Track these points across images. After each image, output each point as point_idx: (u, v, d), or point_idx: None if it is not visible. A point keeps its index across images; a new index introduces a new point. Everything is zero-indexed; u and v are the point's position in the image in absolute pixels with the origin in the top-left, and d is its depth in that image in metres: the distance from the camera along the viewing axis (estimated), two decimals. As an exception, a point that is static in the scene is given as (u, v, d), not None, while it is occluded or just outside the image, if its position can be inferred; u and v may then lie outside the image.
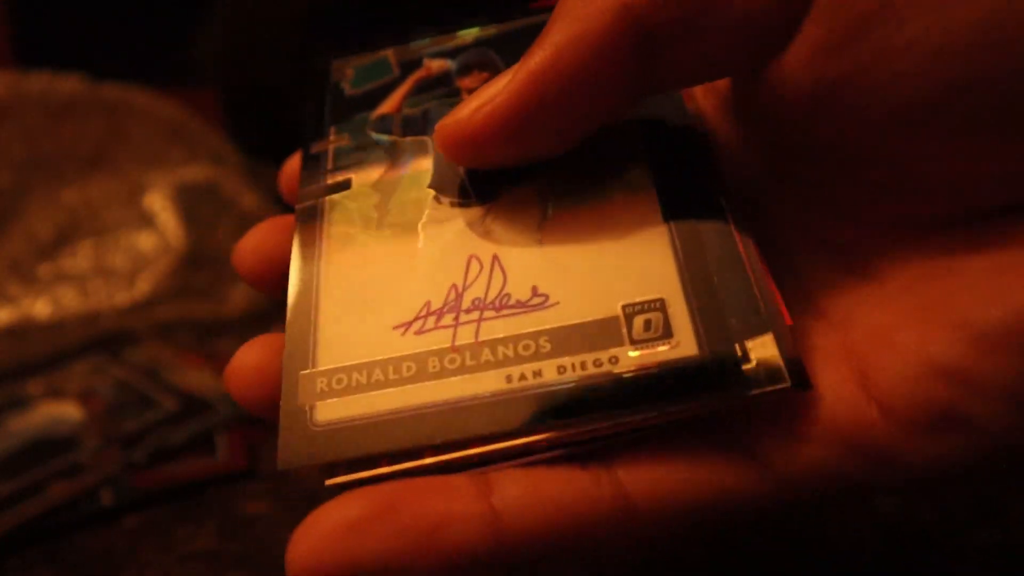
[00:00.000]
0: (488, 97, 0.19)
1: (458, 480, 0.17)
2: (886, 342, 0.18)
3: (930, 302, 0.18)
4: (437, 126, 0.20)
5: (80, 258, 0.54)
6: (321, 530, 0.16)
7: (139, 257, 0.53)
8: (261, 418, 0.21)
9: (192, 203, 0.55)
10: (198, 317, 0.48)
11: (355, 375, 0.19)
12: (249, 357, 0.21)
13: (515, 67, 0.19)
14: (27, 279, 0.52)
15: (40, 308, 0.50)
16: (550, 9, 0.26)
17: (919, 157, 0.18)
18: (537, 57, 0.18)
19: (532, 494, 0.17)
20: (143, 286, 0.51)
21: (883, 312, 0.19)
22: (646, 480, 0.18)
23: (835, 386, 0.18)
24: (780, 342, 0.18)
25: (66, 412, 0.38)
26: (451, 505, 0.17)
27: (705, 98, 0.24)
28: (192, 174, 0.56)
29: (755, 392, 0.17)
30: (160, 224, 0.54)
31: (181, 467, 0.34)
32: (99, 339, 0.45)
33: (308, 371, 0.19)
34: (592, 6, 0.18)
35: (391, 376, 0.19)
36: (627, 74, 0.19)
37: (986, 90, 0.16)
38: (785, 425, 0.18)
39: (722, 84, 0.23)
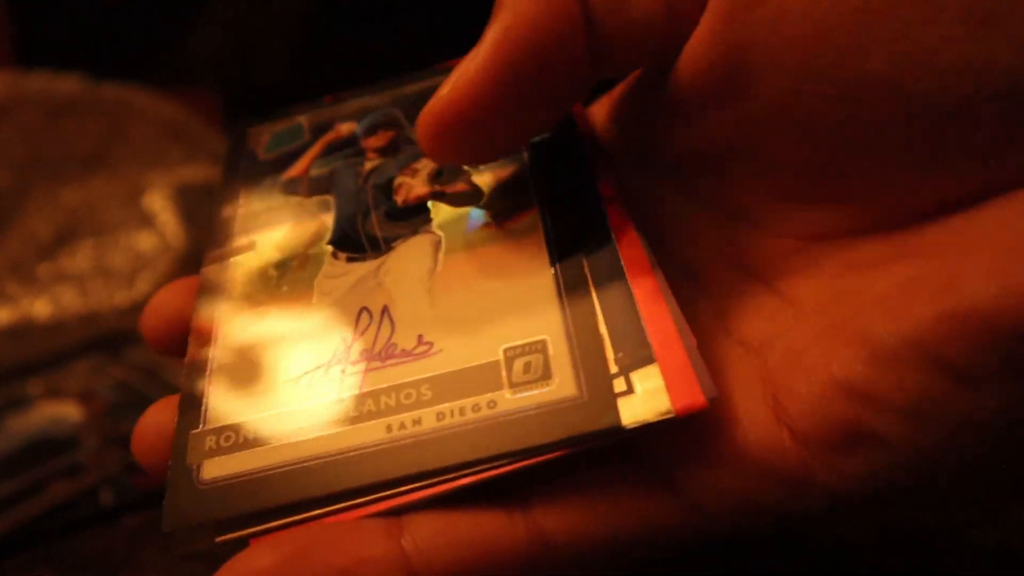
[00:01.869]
0: (464, 66, 0.19)
1: (369, 523, 0.17)
2: (796, 364, 0.18)
3: (839, 320, 0.18)
4: (419, 119, 0.20)
5: (80, 258, 0.53)
6: None
7: (139, 257, 0.53)
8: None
9: (192, 203, 0.55)
10: (198, 317, 0.48)
11: (243, 432, 0.19)
12: (151, 420, 0.21)
13: (482, 37, 0.19)
14: (27, 279, 0.52)
15: (40, 308, 0.50)
16: (438, 72, 0.27)
17: (822, 147, 0.18)
18: (500, 20, 0.19)
19: (444, 535, 0.17)
20: (143, 286, 0.51)
21: (797, 334, 0.19)
22: (563, 516, 0.18)
23: (750, 413, 0.18)
24: (670, 371, 0.17)
25: (66, 412, 0.38)
26: (361, 549, 0.17)
27: (605, 123, 0.24)
28: (192, 174, 0.56)
29: (632, 426, 0.17)
30: (160, 224, 0.54)
31: (181, 467, 0.34)
32: (99, 339, 0.45)
33: (198, 430, 0.20)
34: None
35: (277, 431, 0.19)
36: (580, 33, 0.19)
37: (878, 56, 0.16)
38: (701, 454, 0.18)
39: (620, 104, 0.23)
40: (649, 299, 0.19)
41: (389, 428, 0.18)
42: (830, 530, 0.26)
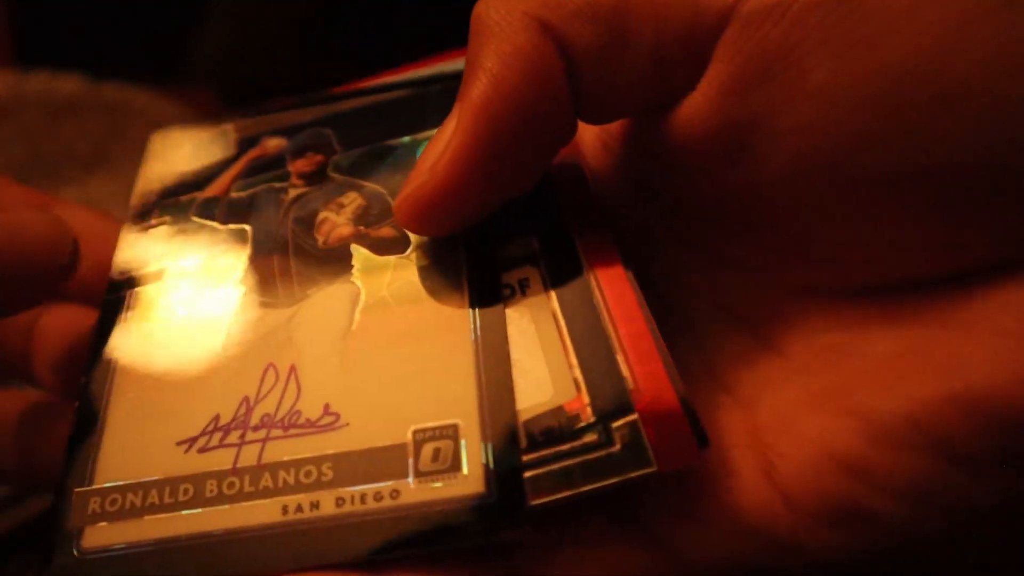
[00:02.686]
0: (441, 147, 0.18)
1: None
2: (789, 428, 0.17)
3: (833, 385, 0.17)
4: (395, 205, 0.19)
5: (80, 258, 0.53)
6: None
7: (139, 257, 0.53)
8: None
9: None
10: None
11: (130, 496, 0.18)
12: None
13: (456, 107, 0.18)
14: (27, 279, 0.52)
15: (40, 308, 0.50)
16: (375, 90, 0.25)
17: (823, 217, 0.17)
18: (476, 89, 0.17)
19: None
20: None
21: (787, 391, 0.18)
22: (548, 569, 0.17)
23: (741, 472, 0.17)
24: (658, 421, 0.16)
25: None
26: None
27: (599, 156, 0.23)
28: (192, 174, 0.56)
29: (543, 504, 0.16)
30: (160, 224, 0.54)
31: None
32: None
33: (83, 489, 0.18)
34: (512, 26, 0.17)
35: (167, 499, 0.17)
36: (563, 95, 0.18)
37: (889, 149, 0.16)
38: (690, 511, 0.17)
39: (616, 140, 0.22)
40: (637, 341, 0.18)
41: (285, 509, 0.17)
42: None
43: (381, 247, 0.21)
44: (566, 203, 0.21)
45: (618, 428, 0.17)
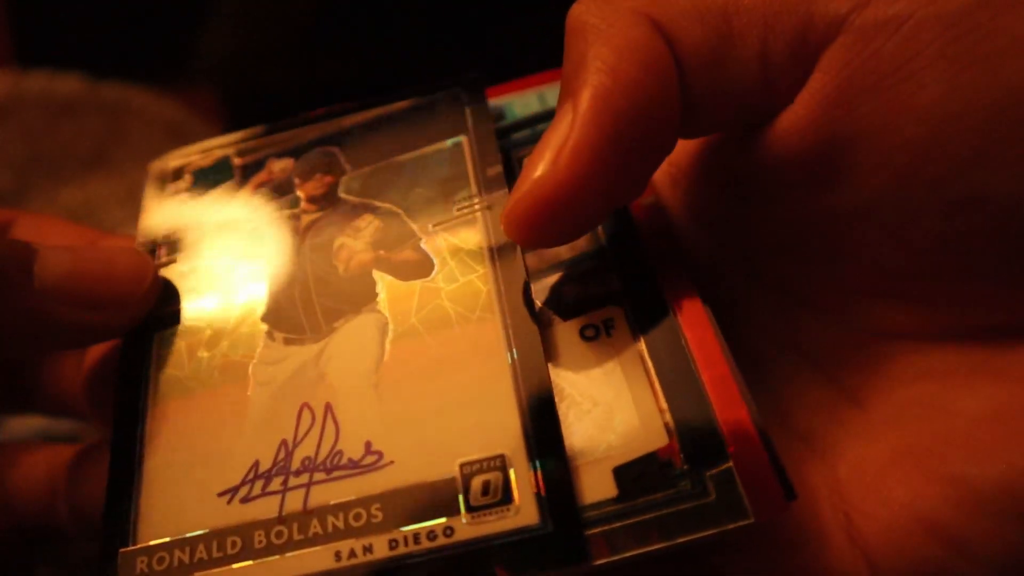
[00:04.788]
0: (559, 141, 0.17)
1: None
2: (875, 487, 0.17)
3: (921, 445, 0.17)
4: (506, 211, 0.18)
5: (80, 258, 0.53)
6: None
7: (139, 257, 0.53)
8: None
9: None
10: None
11: (177, 552, 0.17)
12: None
13: (568, 103, 0.17)
14: (27, 279, 0.52)
15: (40, 308, 0.50)
16: (379, 102, 0.25)
17: (917, 243, 0.16)
18: (593, 80, 0.16)
19: None
20: (143, 286, 0.51)
21: (870, 446, 0.17)
22: None
23: (825, 530, 0.17)
24: (746, 468, 0.16)
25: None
26: None
27: (667, 192, 0.22)
28: (192, 174, 0.56)
29: (601, 562, 0.16)
30: (160, 224, 0.54)
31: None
32: (99, 339, 0.45)
33: (129, 549, 0.18)
34: (621, 21, 0.16)
35: (215, 553, 0.17)
36: (676, 94, 0.17)
37: (1003, 170, 0.15)
38: (771, 570, 0.17)
39: (686, 174, 0.21)
40: (720, 386, 0.17)
41: (338, 555, 0.17)
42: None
43: (404, 272, 0.21)
44: (647, 241, 0.21)
45: (712, 476, 0.16)
